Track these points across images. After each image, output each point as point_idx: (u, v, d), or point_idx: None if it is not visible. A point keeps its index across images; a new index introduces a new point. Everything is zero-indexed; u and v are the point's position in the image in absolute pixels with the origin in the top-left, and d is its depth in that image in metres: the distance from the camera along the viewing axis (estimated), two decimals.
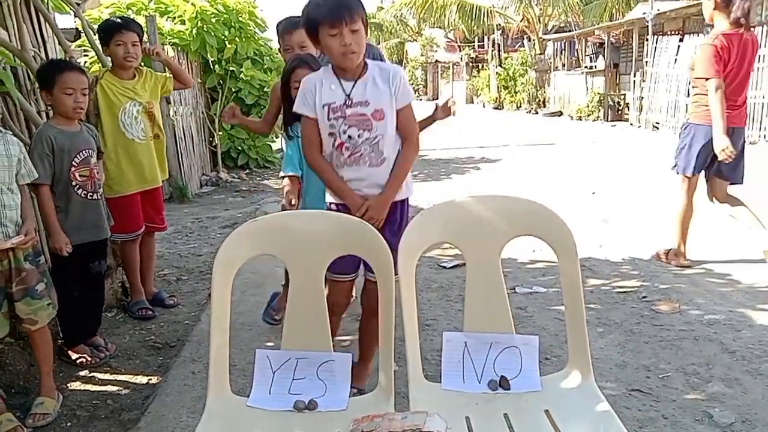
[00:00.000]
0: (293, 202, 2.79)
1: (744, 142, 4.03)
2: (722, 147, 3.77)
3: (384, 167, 2.23)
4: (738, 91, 3.89)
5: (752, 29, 3.81)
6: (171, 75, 3.67)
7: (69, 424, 2.47)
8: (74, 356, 2.95)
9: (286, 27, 3.04)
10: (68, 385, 2.77)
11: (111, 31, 3.33)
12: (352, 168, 2.21)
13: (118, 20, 3.48)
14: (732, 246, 4.63)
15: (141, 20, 5.76)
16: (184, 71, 3.83)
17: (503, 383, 1.77)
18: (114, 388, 2.76)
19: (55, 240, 2.74)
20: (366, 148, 2.19)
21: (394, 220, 2.29)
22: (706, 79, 3.80)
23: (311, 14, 2.11)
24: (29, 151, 2.61)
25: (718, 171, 3.99)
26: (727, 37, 3.75)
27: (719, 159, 3.83)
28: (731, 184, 4.07)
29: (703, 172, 4.07)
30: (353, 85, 2.17)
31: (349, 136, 2.17)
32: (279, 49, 3.13)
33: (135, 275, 3.57)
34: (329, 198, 2.32)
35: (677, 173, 4.13)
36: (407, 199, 2.36)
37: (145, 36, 4.16)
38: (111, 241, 3.31)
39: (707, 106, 3.83)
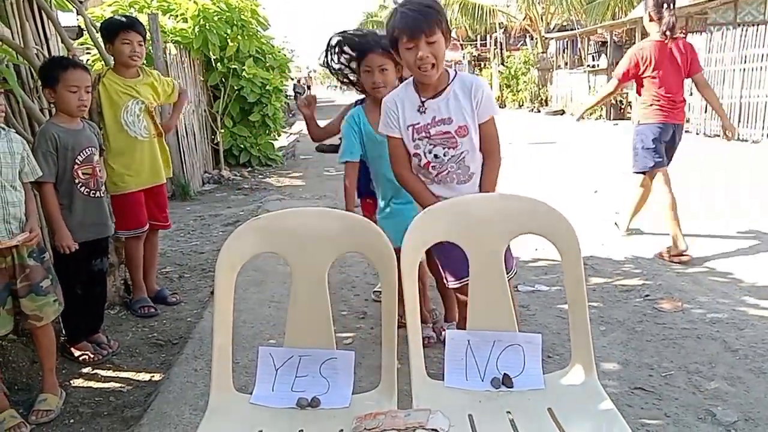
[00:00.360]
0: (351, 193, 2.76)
1: (680, 133, 4.45)
2: (582, 108, 4.50)
3: (471, 183, 2.22)
4: (674, 92, 4.30)
5: (679, 37, 4.32)
6: (177, 86, 3.70)
7: (72, 420, 2.48)
8: (77, 353, 2.96)
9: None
10: (71, 382, 2.78)
11: (117, 29, 3.33)
12: (441, 186, 2.21)
13: (124, 19, 3.49)
14: (734, 244, 4.62)
15: (143, 18, 5.77)
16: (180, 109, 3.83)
17: (506, 381, 1.77)
18: (117, 385, 2.76)
19: (59, 238, 2.75)
20: (453, 165, 2.18)
21: None
22: (620, 79, 4.54)
23: (390, 24, 2.08)
24: (33, 149, 2.61)
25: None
26: (653, 46, 4.27)
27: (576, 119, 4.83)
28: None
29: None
30: (435, 103, 2.14)
31: (435, 155, 2.16)
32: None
33: (138, 273, 3.58)
34: None
35: (643, 173, 4.51)
36: None
37: (148, 34, 4.16)
38: (114, 239, 3.32)
39: (651, 106, 4.34)
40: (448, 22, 2.09)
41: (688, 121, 12.37)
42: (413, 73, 2.12)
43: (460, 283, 2.27)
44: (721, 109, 4.64)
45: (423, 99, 2.16)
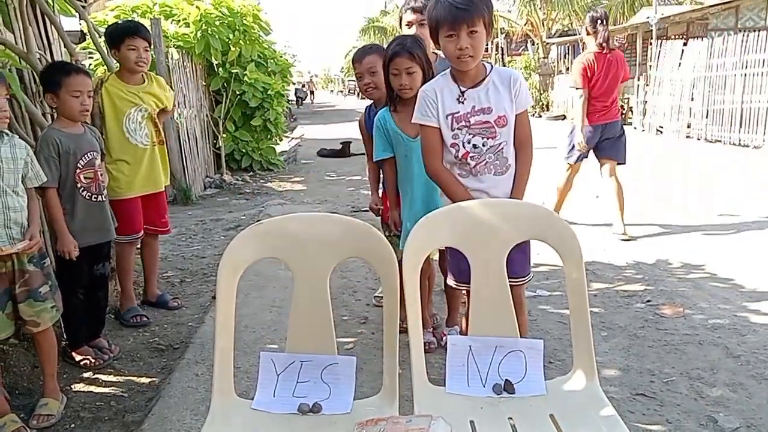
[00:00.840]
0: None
1: (622, 129, 5.19)
2: (579, 141, 5.11)
3: (508, 175, 2.22)
4: (607, 96, 5.02)
5: (614, 50, 5.06)
6: (170, 96, 3.68)
7: (73, 425, 2.48)
8: (78, 358, 2.95)
9: (355, 56, 3.09)
10: (72, 386, 2.78)
11: (122, 35, 3.32)
12: (478, 178, 2.19)
13: (130, 24, 3.48)
14: (735, 250, 4.62)
15: (146, 23, 5.78)
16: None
17: (508, 387, 1.76)
18: (118, 390, 2.76)
19: (62, 243, 2.75)
20: (491, 156, 2.17)
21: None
22: (577, 89, 5.05)
23: (433, 13, 2.08)
24: (35, 154, 2.62)
25: (605, 154, 5.17)
26: (594, 56, 4.98)
27: (578, 149, 5.19)
28: (618, 163, 5.20)
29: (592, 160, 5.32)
30: (476, 92, 2.14)
31: (474, 145, 2.15)
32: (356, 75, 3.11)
33: (128, 280, 3.50)
34: None
35: (568, 163, 5.39)
36: None
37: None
38: (115, 243, 3.32)
39: (596, 113, 5.06)
40: (492, 16, 2.09)
41: (689, 126, 12.40)
42: (451, 62, 2.13)
43: (458, 286, 2.30)
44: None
45: (462, 89, 2.16)
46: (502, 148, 2.18)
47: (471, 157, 2.17)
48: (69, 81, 2.75)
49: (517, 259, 2.19)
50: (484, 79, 2.16)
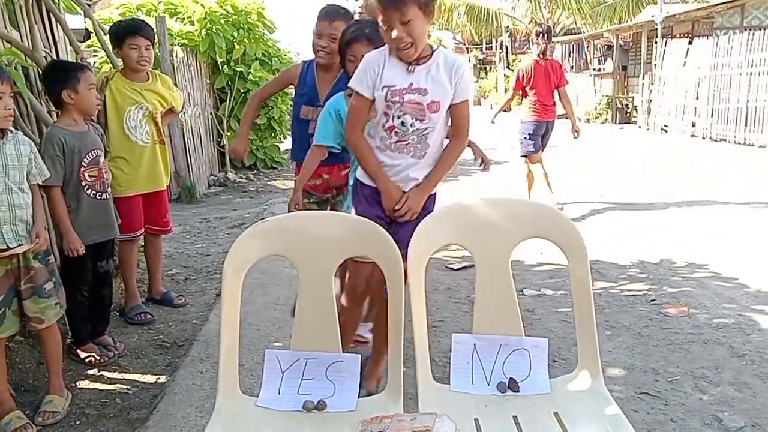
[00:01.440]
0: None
1: (552, 127, 6.14)
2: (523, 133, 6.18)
3: (424, 161, 2.20)
4: (547, 98, 6.00)
5: (549, 59, 6.11)
6: (177, 95, 3.67)
7: (78, 422, 2.48)
8: (83, 355, 2.96)
9: (324, 12, 2.95)
10: (77, 383, 2.78)
11: (124, 34, 3.33)
12: (395, 154, 2.18)
13: (132, 23, 3.49)
14: (739, 249, 4.61)
15: (151, 21, 5.79)
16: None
17: (512, 385, 1.77)
18: (122, 387, 2.77)
19: (68, 241, 2.75)
20: (414, 137, 2.16)
21: (423, 213, 2.23)
22: (506, 90, 6.43)
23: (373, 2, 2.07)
24: (40, 152, 2.62)
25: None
26: (532, 64, 6.02)
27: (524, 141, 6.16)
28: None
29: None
30: (415, 71, 2.12)
31: (402, 122, 2.14)
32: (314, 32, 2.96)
33: (131, 278, 3.51)
34: (361, 176, 2.29)
35: (524, 156, 6.17)
36: (436, 193, 2.33)
37: (156, 37, 4.16)
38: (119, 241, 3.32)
39: (530, 109, 6.02)
40: None
41: (694, 125, 12.37)
42: (393, 50, 2.11)
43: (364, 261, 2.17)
44: (573, 115, 6.26)
45: (404, 64, 2.13)
46: (428, 134, 2.16)
47: (395, 132, 2.16)
48: (87, 75, 2.79)
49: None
50: (427, 60, 2.13)
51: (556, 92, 6.05)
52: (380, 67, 2.12)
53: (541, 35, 6.04)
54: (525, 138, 6.04)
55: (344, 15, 2.95)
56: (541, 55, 5.99)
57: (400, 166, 2.20)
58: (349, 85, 2.23)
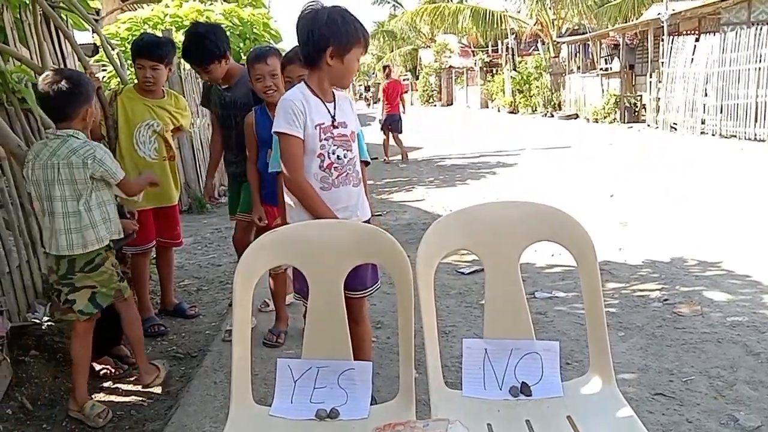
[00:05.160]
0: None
1: (401, 116, 11.24)
2: (379, 118, 11.86)
3: (360, 188, 2.30)
4: (395, 101, 11.10)
5: (394, 80, 11.73)
6: (187, 116, 3.68)
7: None
8: (98, 368, 2.98)
9: (253, 56, 3.04)
10: (92, 396, 2.80)
11: (134, 53, 3.35)
12: (340, 189, 2.21)
13: (141, 42, 3.42)
14: (752, 246, 4.57)
15: (158, 34, 5.84)
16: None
17: (524, 389, 1.76)
18: (137, 399, 2.79)
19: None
20: (350, 168, 2.23)
21: (370, 283, 2.37)
22: (378, 99, 13.23)
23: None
24: None
25: (392, 128, 11.15)
26: (386, 84, 11.46)
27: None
28: (399, 133, 11.23)
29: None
30: (334, 107, 2.20)
31: (338, 156, 2.20)
32: (250, 80, 3.06)
33: (144, 290, 3.53)
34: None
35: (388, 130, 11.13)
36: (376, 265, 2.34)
37: None
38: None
39: (385, 109, 11.18)
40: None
41: (703, 122, 12.30)
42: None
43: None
44: (403, 106, 11.84)
45: (324, 102, 2.20)
46: (355, 162, 2.26)
47: (335, 167, 2.20)
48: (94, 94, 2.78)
49: (365, 269, 2.24)
50: (335, 98, 2.24)
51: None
52: (305, 107, 2.14)
53: (386, 68, 12.25)
54: (397, 121, 11.06)
55: (274, 51, 3.08)
56: (387, 77, 11.69)
57: (351, 198, 2.25)
58: (275, 131, 2.18)
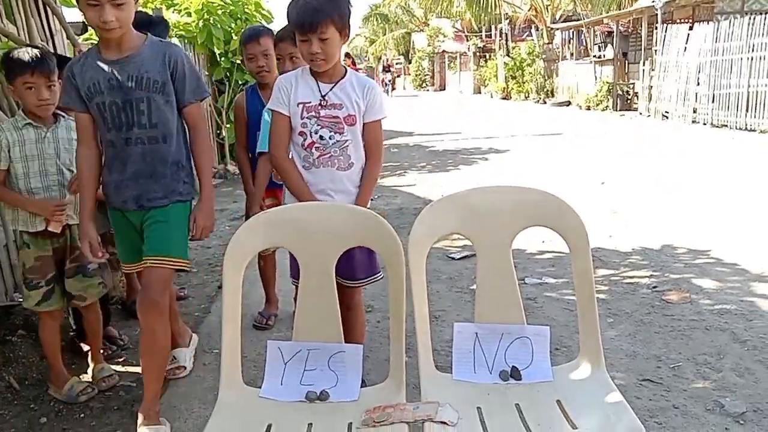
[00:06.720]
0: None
1: None
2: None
3: (351, 172, 2.24)
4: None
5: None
6: None
7: (82, 415, 2.49)
8: (86, 348, 2.96)
9: (246, 36, 3.01)
10: (81, 377, 2.79)
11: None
12: (320, 170, 2.20)
13: (137, 20, 3.35)
14: (741, 234, 4.60)
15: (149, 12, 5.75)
16: None
17: (514, 374, 1.77)
18: (126, 380, 2.77)
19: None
20: (336, 150, 2.20)
21: (368, 274, 2.35)
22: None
23: (288, 17, 2.12)
24: None
25: None
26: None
27: None
28: None
29: None
30: (330, 88, 2.18)
31: (321, 137, 2.18)
32: (242, 60, 3.04)
33: (132, 273, 3.52)
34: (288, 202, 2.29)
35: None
36: (375, 253, 2.31)
37: None
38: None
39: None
40: (347, 17, 2.10)
41: (695, 111, 12.32)
42: (306, 61, 2.18)
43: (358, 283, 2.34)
44: None
45: (319, 82, 2.19)
46: (347, 146, 2.21)
47: (316, 147, 2.19)
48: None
49: (360, 260, 2.24)
50: (341, 80, 2.20)
51: None
52: (293, 86, 2.17)
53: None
54: None
55: (267, 31, 3.03)
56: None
57: (333, 180, 2.21)
58: (267, 107, 2.27)
